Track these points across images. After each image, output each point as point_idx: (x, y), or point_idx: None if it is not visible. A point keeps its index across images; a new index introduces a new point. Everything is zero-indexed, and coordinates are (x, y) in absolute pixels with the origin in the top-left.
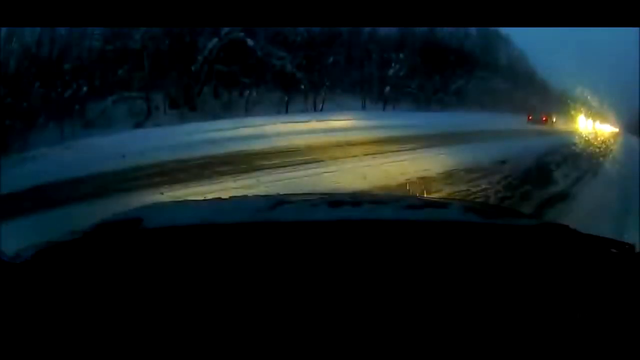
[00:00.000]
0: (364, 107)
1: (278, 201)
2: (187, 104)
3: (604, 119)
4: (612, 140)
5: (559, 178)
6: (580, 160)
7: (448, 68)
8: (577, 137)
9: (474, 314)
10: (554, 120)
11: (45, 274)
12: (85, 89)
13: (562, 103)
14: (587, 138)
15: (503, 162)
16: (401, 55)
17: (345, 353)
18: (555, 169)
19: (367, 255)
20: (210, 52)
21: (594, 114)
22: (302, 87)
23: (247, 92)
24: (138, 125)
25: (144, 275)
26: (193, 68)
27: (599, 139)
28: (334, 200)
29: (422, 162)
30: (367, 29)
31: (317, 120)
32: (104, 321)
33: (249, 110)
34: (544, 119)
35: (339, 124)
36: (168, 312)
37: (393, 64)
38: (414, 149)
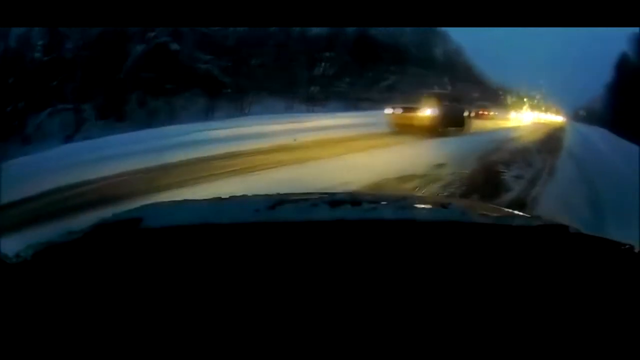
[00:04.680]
0: (290, 109)
1: (278, 201)
2: (115, 114)
3: (549, 110)
4: (559, 130)
5: (510, 182)
6: (530, 155)
7: (380, 65)
8: (522, 130)
9: (474, 314)
10: (495, 114)
11: (45, 274)
12: (23, 103)
13: (504, 97)
14: (532, 130)
15: (441, 165)
16: (330, 54)
17: (346, 353)
18: (504, 169)
19: (367, 255)
20: (137, 59)
21: (537, 106)
22: (229, 90)
23: (173, 99)
24: (68, 138)
25: (144, 276)
26: (121, 76)
27: (544, 129)
28: (334, 200)
29: (342, 173)
30: (296, 28)
31: (238, 127)
32: (103, 321)
33: (174, 117)
34: (484, 113)
35: (261, 129)
36: (168, 312)
37: (322, 63)
38: (338, 154)
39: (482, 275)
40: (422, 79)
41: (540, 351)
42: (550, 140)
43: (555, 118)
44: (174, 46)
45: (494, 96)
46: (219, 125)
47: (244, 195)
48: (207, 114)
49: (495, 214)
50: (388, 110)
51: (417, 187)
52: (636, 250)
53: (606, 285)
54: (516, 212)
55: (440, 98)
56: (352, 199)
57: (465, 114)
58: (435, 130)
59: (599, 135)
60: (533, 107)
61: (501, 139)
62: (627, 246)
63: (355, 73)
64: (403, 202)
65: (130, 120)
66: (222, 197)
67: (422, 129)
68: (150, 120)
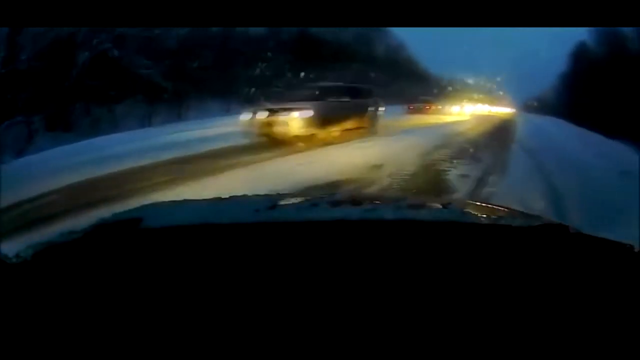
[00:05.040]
0: (228, 111)
1: (278, 201)
2: (62, 125)
3: (498, 102)
4: (509, 121)
5: (456, 181)
6: (478, 150)
7: (320, 63)
8: (469, 123)
9: (474, 314)
10: (440, 107)
11: (45, 274)
12: None
13: (450, 91)
14: (481, 122)
15: (379, 166)
16: (270, 54)
17: (346, 353)
18: (449, 167)
19: (367, 255)
20: (81, 67)
21: (486, 98)
22: (166, 96)
23: (115, 107)
24: (20, 152)
25: (144, 276)
26: (67, 84)
27: (494, 121)
28: (334, 200)
29: (272, 178)
30: (238, 29)
31: (172, 133)
32: (103, 321)
33: (116, 126)
34: (427, 107)
35: (194, 134)
36: (168, 312)
37: (260, 63)
38: (269, 158)
39: (482, 275)
40: (363, 76)
41: (540, 351)
42: (501, 133)
43: (505, 110)
44: (116, 52)
45: (440, 90)
46: (155, 132)
47: (244, 196)
48: (147, 120)
49: (495, 214)
50: (245, 115)
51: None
52: (636, 250)
53: (606, 285)
54: (516, 211)
55: (324, 93)
56: (352, 199)
57: (375, 109)
58: (312, 139)
59: (554, 125)
60: (481, 100)
61: (446, 134)
62: (627, 246)
63: (295, 72)
64: (403, 202)
65: (76, 131)
66: (222, 197)
67: (289, 138)
68: (95, 129)
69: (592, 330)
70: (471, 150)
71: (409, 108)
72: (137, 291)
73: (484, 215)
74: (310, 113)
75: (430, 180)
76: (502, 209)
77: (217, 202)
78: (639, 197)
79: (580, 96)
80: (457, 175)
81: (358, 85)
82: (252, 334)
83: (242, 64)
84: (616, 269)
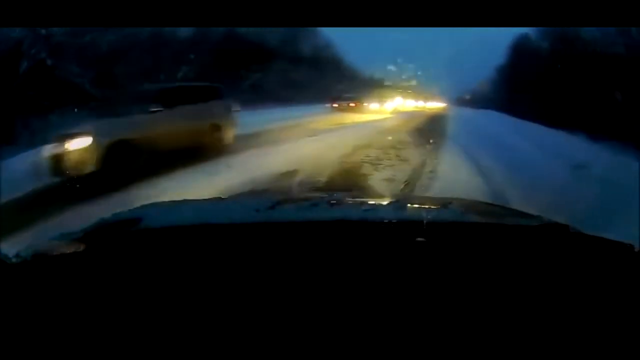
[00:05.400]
0: None
1: (277, 201)
2: (5, 137)
3: (429, 97)
4: (442, 116)
5: (380, 186)
6: (406, 150)
7: (243, 64)
8: (396, 119)
9: (474, 314)
10: (367, 105)
11: (45, 274)
12: None
13: (378, 87)
14: (410, 118)
15: (291, 173)
16: (192, 56)
17: (346, 352)
18: (373, 170)
19: (367, 255)
20: (20, 77)
21: (416, 93)
22: (94, 104)
23: (49, 117)
24: None
25: (144, 275)
26: (8, 96)
27: (425, 117)
28: (334, 200)
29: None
30: (167, 32)
31: None
32: (103, 321)
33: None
34: (352, 105)
35: None
36: (167, 312)
37: (182, 67)
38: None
39: (482, 274)
40: (287, 75)
41: (541, 350)
42: (432, 129)
43: (437, 104)
44: (50, 61)
45: (368, 86)
46: None
47: (244, 196)
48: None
49: (495, 214)
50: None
51: None
52: (636, 250)
53: (606, 285)
54: (516, 211)
55: (137, 100)
56: (353, 200)
57: (226, 116)
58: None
59: (490, 118)
60: (411, 95)
61: (371, 132)
62: (627, 245)
63: (217, 74)
64: (403, 202)
65: (17, 143)
66: (222, 197)
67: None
68: (32, 141)
69: (592, 329)
70: (398, 149)
71: (332, 106)
72: (137, 291)
73: (484, 215)
74: (86, 141)
75: (349, 186)
76: (502, 208)
77: (217, 202)
78: (639, 196)
79: (516, 88)
80: (381, 180)
81: (196, 84)
82: (252, 333)
83: (167, 67)
84: (616, 269)
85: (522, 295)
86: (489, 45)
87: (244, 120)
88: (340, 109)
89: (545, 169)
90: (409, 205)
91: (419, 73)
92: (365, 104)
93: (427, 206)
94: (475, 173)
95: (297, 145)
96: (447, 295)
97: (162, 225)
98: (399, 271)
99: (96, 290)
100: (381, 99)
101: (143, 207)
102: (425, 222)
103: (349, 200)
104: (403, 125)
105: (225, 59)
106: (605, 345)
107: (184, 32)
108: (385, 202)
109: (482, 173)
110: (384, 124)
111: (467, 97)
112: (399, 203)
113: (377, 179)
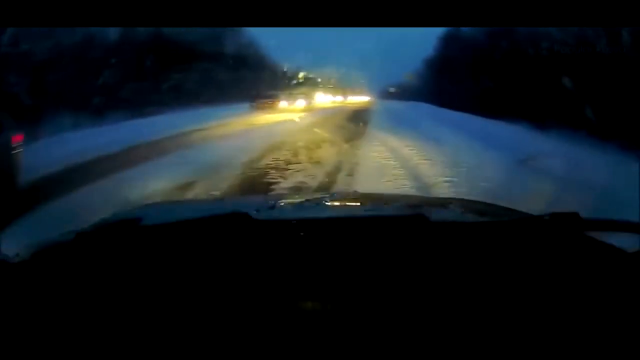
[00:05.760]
0: (75, 125)
1: (277, 201)
2: None
3: (352, 92)
4: (363, 111)
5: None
6: (320, 151)
7: (164, 66)
8: (313, 117)
9: (474, 314)
10: (290, 103)
11: (45, 274)
12: None
13: (299, 84)
14: (330, 115)
15: (189, 185)
16: (113, 60)
17: (345, 351)
18: (279, 178)
19: (367, 255)
20: None
21: (339, 88)
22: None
23: None
24: None
25: (144, 276)
26: None
27: (346, 113)
28: (334, 199)
29: None
30: (90, 35)
31: None
32: (103, 321)
33: None
34: (272, 102)
35: None
36: (167, 312)
37: (105, 71)
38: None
39: (482, 274)
40: (209, 75)
41: (541, 351)
42: (351, 126)
43: (362, 98)
44: None
45: (290, 85)
46: None
47: (244, 196)
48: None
49: (495, 214)
50: None
51: None
52: (631, 252)
53: (605, 285)
54: (516, 211)
55: None
56: (353, 199)
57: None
58: None
59: (417, 110)
60: (335, 90)
61: (286, 131)
62: (625, 249)
63: (138, 78)
64: (403, 202)
65: None
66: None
67: None
68: None
69: (591, 329)
70: (311, 151)
71: (254, 105)
72: (136, 291)
73: (484, 215)
74: None
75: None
76: (502, 208)
77: (217, 202)
78: (639, 194)
79: (444, 80)
80: (287, 187)
81: None
82: (252, 332)
83: (89, 73)
84: (615, 269)
85: (521, 294)
86: (414, 37)
87: (156, 126)
88: (262, 107)
89: (481, 160)
90: (409, 205)
91: (343, 68)
92: (286, 102)
93: (427, 206)
94: (399, 166)
95: (203, 151)
96: (447, 295)
97: (163, 225)
98: (399, 271)
99: (96, 290)
100: (304, 96)
101: (143, 207)
102: (425, 222)
103: (349, 199)
104: (321, 122)
105: (146, 61)
106: (606, 344)
107: (109, 34)
108: (385, 202)
109: (414, 174)
110: (299, 122)
111: (393, 90)
112: (398, 203)
113: (283, 187)
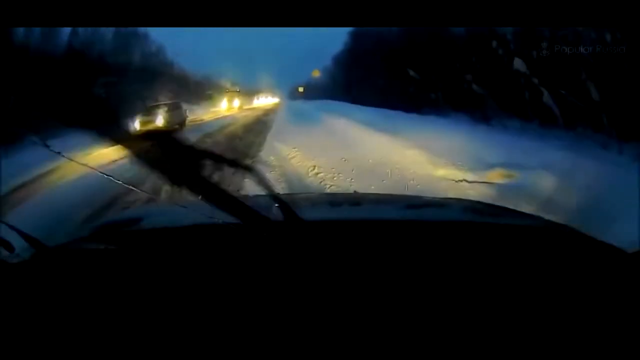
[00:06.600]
0: None
1: (277, 201)
2: None
3: (259, 95)
4: (270, 112)
5: None
6: (212, 164)
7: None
8: (211, 125)
9: (473, 314)
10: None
11: (45, 274)
12: None
13: (206, 91)
14: (231, 121)
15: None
16: None
17: (345, 352)
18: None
19: (367, 255)
20: None
21: (245, 93)
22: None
23: None
24: None
25: (144, 276)
26: None
27: (248, 117)
28: (334, 200)
29: None
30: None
31: None
32: (103, 322)
33: None
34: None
35: None
36: (168, 312)
37: None
38: None
39: (482, 274)
40: (112, 84)
41: (540, 351)
42: (256, 128)
43: (268, 100)
44: None
45: (195, 92)
46: None
47: (244, 196)
48: None
49: (494, 214)
50: None
51: None
52: (630, 252)
53: (605, 285)
54: (516, 211)
55: None
56: (353, 200)
57: None
58: None
59: (326, 108)
60: (238, 96)
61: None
62: (622, 249)
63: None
64: (403, 202)
65: None
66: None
67: None
68: None
69: (591, 329)
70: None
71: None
72: (136, 291)
73: (484, 215)
74: None
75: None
76: (502, 209)
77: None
78: (638, 196)
79: (351, 76)
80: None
81: None
82: (252, 333)
83: None
84: (614, 269)
85: (521, 295)
86: (324, 34)
87: None
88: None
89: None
90: (409, 205)
91: (245, 72)
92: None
93: (427, 206)
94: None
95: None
96: (447, 295)
97: (163, 225)
98: (398, 271)
99: (96, 290)
100: (212, 103)
101: (143, 207)
102: (426, 222)
103: (349, 200)
104: (215, 132)
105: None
106: (606, 344)
107: None
108: (385, 202)
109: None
110: (195, 131)
111: (302, 89)
112: (399, 203)
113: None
